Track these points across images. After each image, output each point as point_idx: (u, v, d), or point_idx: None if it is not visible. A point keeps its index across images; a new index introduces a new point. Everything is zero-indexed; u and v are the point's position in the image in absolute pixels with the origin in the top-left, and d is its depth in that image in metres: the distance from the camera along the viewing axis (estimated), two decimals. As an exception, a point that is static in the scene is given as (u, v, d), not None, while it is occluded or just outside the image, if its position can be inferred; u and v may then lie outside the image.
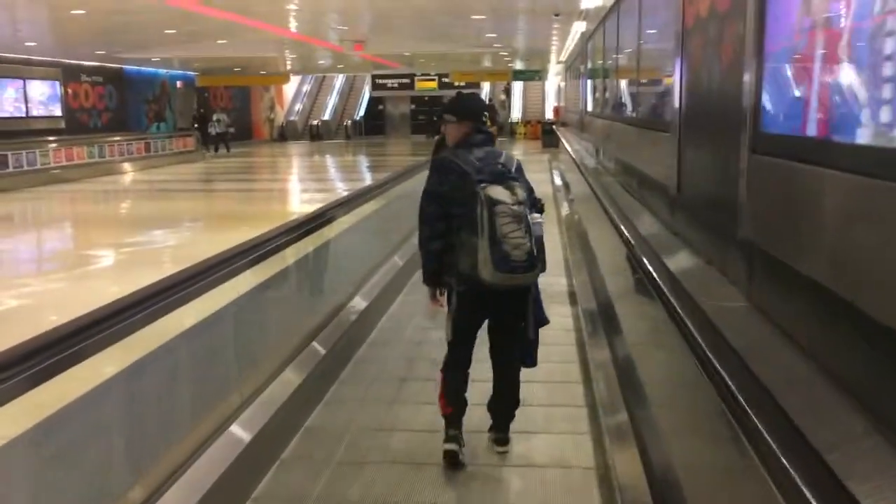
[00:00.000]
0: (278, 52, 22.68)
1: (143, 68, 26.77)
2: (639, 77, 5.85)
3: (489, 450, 3.66)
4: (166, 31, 17.70)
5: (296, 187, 20.00)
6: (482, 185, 3.37)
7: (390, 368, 4.86)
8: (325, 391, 4.42)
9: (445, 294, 3.62)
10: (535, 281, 3.51)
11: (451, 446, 3.50)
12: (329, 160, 27.82)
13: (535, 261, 3.40)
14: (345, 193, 7.74)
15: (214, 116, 28.64)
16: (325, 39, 20.77)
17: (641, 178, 5.28)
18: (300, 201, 16.13)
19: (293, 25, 17.46)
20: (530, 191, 3.58)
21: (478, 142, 3.57)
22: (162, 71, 28.21)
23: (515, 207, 3.34)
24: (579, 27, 14.06)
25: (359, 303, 5.63)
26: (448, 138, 3.70)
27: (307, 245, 4.89)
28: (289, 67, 33.82)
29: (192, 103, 30.87)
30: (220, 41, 20.36)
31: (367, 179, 19.55)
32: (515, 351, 3.65)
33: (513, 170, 3.55)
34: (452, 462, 3.50)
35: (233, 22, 15.85)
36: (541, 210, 3.70)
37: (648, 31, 5.52)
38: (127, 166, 21.82)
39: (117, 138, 22.45)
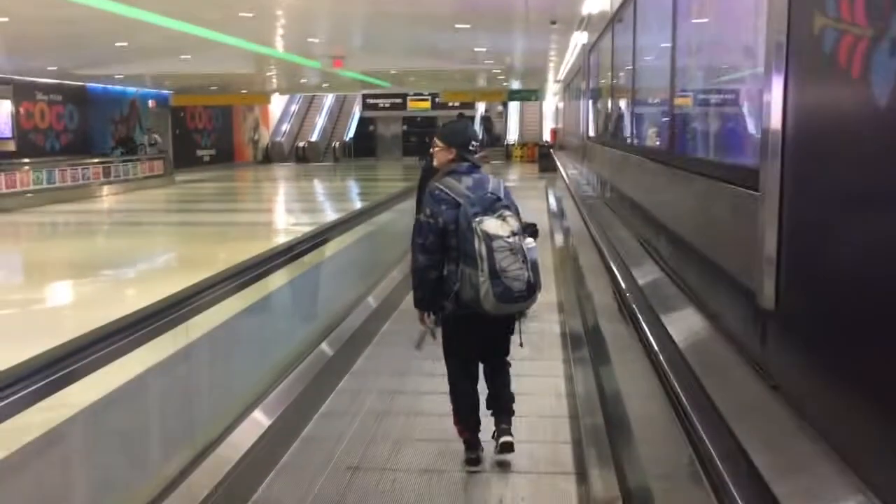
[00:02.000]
0: (253, 69, 20.81)
1: (109, 86, 24.85)
2: (674, 91, 3.88)
3: (496, 445, 3.71)
4: (117, 45, 15.82)
5: (274, 220, 17.94)
6: (477, 218, 3.44)
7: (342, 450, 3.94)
8: (257, 485, 3.49)
9: (433, 317, 3.72)
10: (534, 303, 3.70)
11: (475, 468, 3.71)
12: (313, 186, 25.85)
13: (534, 287, 3.53)
14: (323, 227, 6.32)
15: (146, 138, 25.55)
16: (300, 53, 18.89)
17: (685, 248, 3.29)
18: (276, 235, 14.06)
19: (256, 37, 15.57)
20: (517, 213, 3.65)
21: (464, 170, 3.64)
22: (131, 90, 26.28)
23: (511, 240, 3.44)
24: (579, 38, 12.16)
25: (316, 359, 4.70)
26: (436, 161, 3.82)
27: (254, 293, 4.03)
28: (273, 86, 32.02)
29: (167, 124, 28.96)
30: (182, 56, 18.50)
31: (351, 208, 17.64)
32: (505, 354, 3.87)
33: (502, 196, 3.60)
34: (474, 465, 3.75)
35: (185, 33, 13.96)
36: (535, 234, 3.90)
37: (692, 20, 3.55)
38: (82, 193, 19.77)
39: (72, 162, 20.40)
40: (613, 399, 3.79)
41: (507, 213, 3.50)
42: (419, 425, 4.26)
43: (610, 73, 7.89)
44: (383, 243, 8.01)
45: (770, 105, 2.01)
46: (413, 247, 3.66)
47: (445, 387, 3.87)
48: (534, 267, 3.51)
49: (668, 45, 3.82)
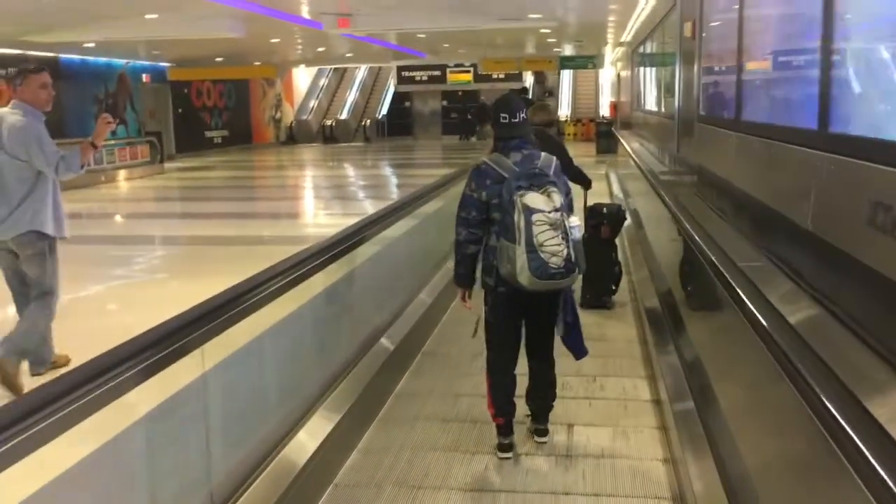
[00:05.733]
0: (244, 34, 16.88)
1: (88, 58, 21.20)
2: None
3: (529, 439, 3.90)
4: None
5: (280, 231, 12.18)
6: (520, 192, 3.42)
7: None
8: None
9: (471, 294, 3.78)
10: (573, 283, 3.60)
11: (507, 455, 3.75)
12: (329, 176, 21.84)
13: (573, 266, 3.47)
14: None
15: None
16: (290, 10, 14.91)
17: None
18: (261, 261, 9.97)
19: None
20: (567, 192, 3.63)
21: (514, 146, 3.60)
22: (119, 62, 22.60)
23: (552, 215, 3.40)
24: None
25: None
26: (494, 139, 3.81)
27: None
28: (293, 56, 28.12)
29: (167, 102, 25.27)
30: (148, 15, 14.69)
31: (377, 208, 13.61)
32: (550, 347, 3.87)
33: (550, 173, 3.54)
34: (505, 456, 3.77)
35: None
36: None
37: None
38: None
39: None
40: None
41: (553, 188, 3.47)
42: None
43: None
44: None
45: None
46: (457, 220, 3.67)
47: None
48: (576, 247, 3.49)
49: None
